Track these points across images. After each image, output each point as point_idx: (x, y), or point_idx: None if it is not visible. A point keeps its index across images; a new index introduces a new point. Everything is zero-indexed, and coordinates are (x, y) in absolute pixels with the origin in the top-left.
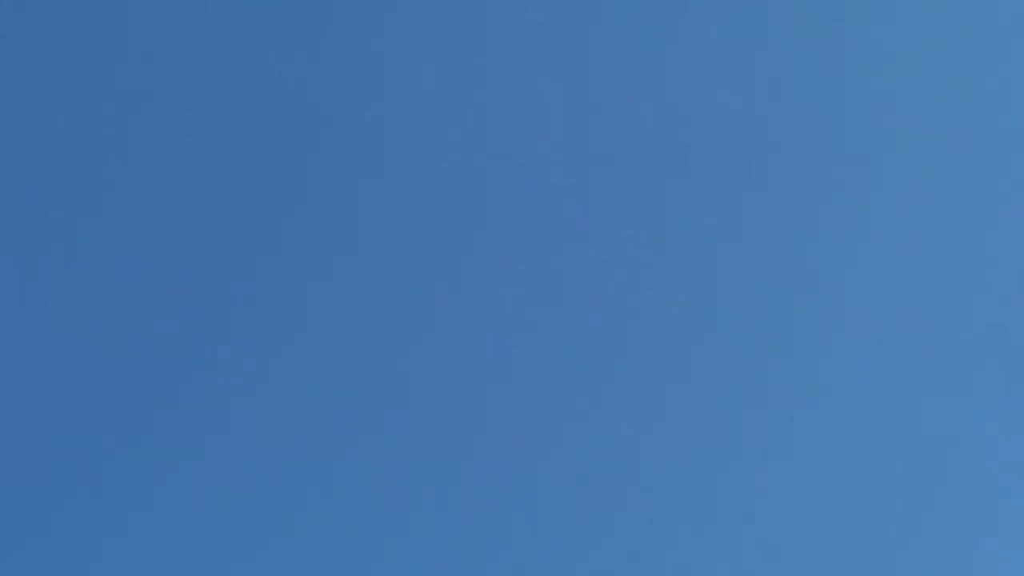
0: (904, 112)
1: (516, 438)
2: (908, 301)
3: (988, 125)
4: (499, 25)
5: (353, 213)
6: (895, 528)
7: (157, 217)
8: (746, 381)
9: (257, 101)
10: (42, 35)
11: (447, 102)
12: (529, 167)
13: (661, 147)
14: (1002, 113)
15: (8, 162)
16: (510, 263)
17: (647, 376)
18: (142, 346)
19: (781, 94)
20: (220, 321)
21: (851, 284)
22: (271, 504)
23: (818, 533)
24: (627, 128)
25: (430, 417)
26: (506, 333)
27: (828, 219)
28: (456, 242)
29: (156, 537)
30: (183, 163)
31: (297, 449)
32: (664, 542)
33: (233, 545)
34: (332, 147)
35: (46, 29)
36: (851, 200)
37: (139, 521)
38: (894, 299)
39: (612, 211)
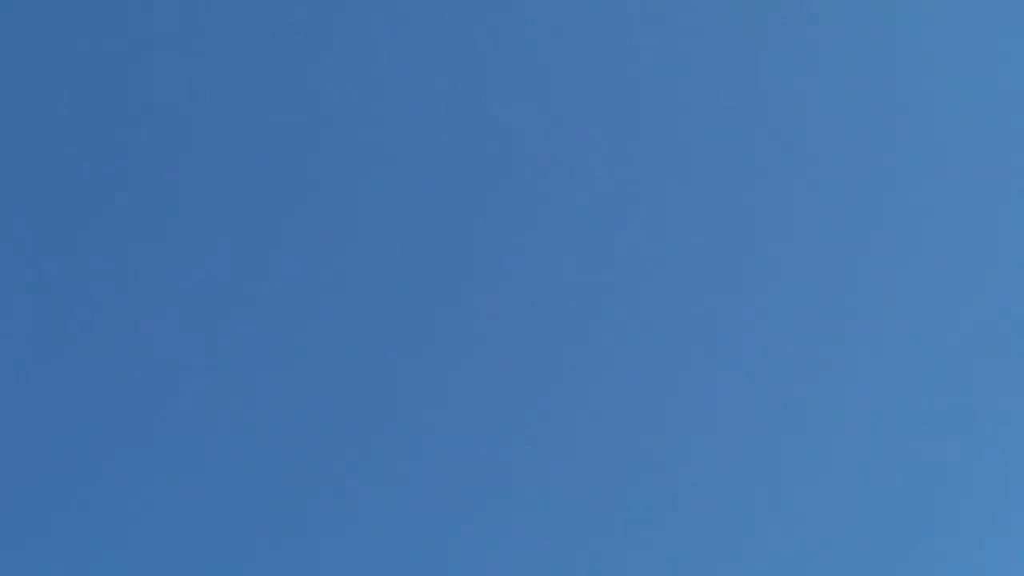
0: (903, 111)
1: (516, 438)
2: (908, 301)
3: (988, 125)
4: (499, 25)
5: (353, 212)
6: (895, 528)
7: (158, 217)
8: (746, 381)
9: (258, 101)
10: (42, 35)
11: (447, 102)
12: (529, 167)
13: (661, 147)
14: (1002, 113)
15: (9, 162)
16: (509, 262)
17: (647, 376)
18: (142, 346)
19: (780, 94)
20: (220, 321)
21: (851, 284)
22: (271, 504)
23: (817, 533)
24: (627, 127)
25: (430, 417)
26: (506, 332)
27: (828, 219)
28: (456, 242)
29: (156, 537)
30: (183, 163)
31: (297, 449)
32: (663, 543)
33: (233, 545)
34: (332, 146)
35: (46, 29)
36: (851, 200)
37: (139, 521)
38: (894, 299)
39: (612, 210)
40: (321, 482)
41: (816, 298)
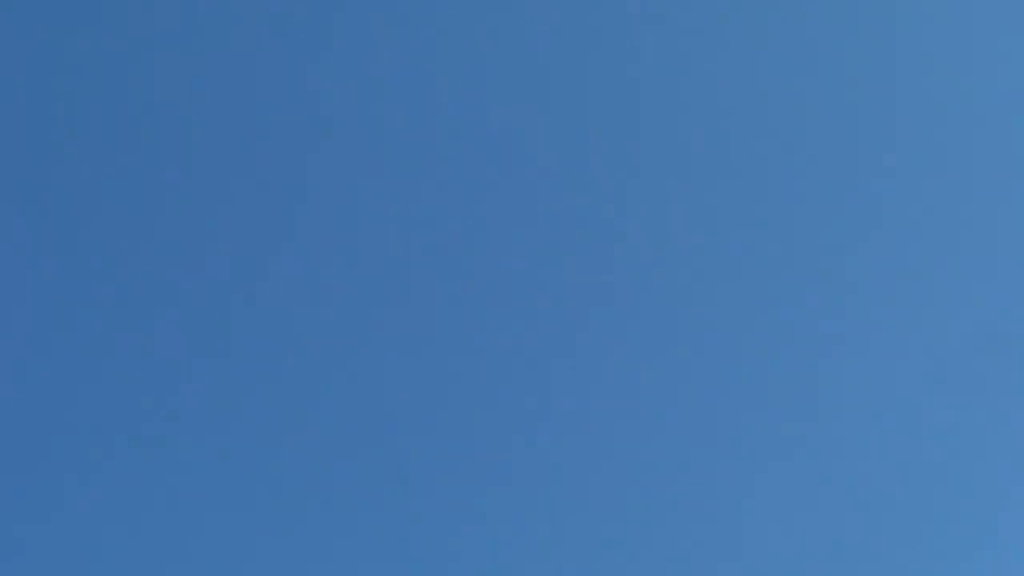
0: (903, 111)
1: (516, 439)
2: (908, 301)
3: (988, 125)
4: (499, 25)
5: (353, 213)
6: (894, 529)
7: (158, 217)
8: (745, 381)
9: (258, 101)
10: (42, 35)
11: (448, 101)
12: (529, 167)
13: (661, 147)
14: (1002, 113)
15: (9, 162)
16: (509, 263)
17: (647, 377)
18: (142, 346)
19: (779, 94)
20: (221, 322)
21: (851, 284)
22: (271, 504)
23: (817, 534)
24: (627, 128)
25: (430, 418)
26: (506, 333)
27: (827, 219)
28: (455, 242)
29: (156, 537)
30: (184, 163)
31: (297, 449)
32: (663, 543)
33: (233, 545)
34: (332, 146)
35: (46, 29)
36: (851, 200)
37: (139, 521)
38: (894, 299)
39: (612, 210)
40: (321, 482)
41: (815, 299)
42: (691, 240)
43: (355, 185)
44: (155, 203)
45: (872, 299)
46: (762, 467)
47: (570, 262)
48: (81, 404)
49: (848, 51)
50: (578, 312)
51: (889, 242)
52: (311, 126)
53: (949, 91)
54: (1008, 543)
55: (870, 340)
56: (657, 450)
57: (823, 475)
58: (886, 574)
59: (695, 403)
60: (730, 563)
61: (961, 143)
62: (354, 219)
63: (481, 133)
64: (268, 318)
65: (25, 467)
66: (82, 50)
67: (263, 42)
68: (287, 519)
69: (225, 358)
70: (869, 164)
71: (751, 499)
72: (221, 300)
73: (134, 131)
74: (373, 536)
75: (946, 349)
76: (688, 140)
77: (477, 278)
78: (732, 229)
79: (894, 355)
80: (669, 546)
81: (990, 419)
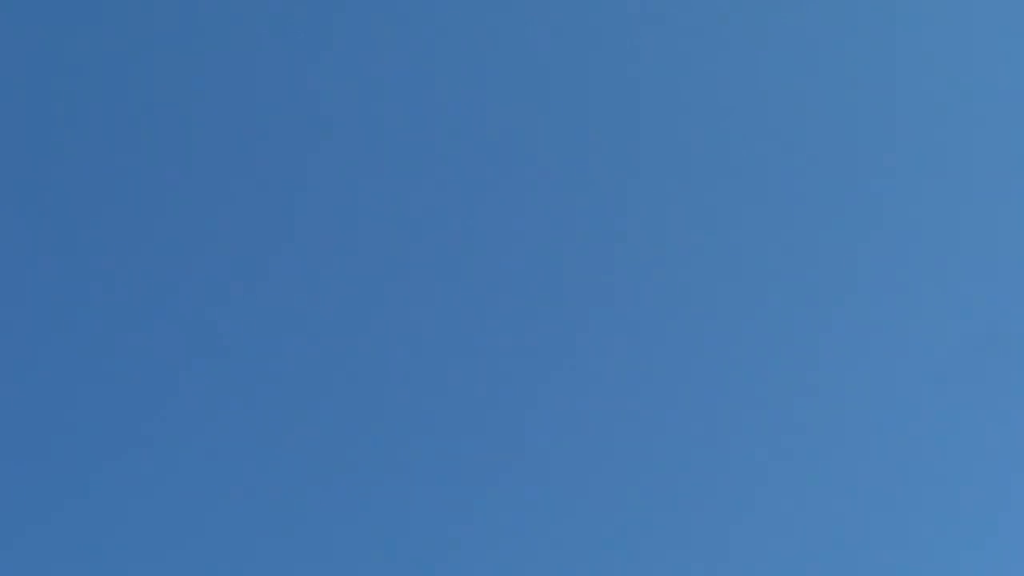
0: (902, 112)
1: (515, 439)
2: (908, 301)
3: (988, 125)
4: (499, 25)
5: (353, 212)
6: (894, 529)
7: (158, 217)
8: (745, 381)
9: (258, 101)
10: (42, 35)
11: (447, 101)
12: (529, 167)
13: (661, 148)
14: (1002, 113)
15: (9, 162)
16: (509, 262)
17: (647, 376)
18: (142, 347)
19: (778, 94)
20: (220, 321)
21: (850, 284)
22: (271, 504)
23: (817, 534)
24: (627, 127)
25: (430, 418)
26: (506, 333)
27: (827, 219)
28: (456, 242)
29: (156, 537)
30: (184, 163)
31: (297, 449)
32: (663, 543)
33: (233, 545)
34: (333, 146)
35: (46, 29)
36: (851, 200)
37: (139, 521)
38: (894, 299)
39: (612, 210)
40: (320, 482)
41: (815, 299)
42: (691, 240)
43: (355, 184)
44: (154, 203)
45: (872, 299)
46: (761, 467)
47: (570, 262)
48: (81, 404)
49: (848, 51)
50: (578, 312)
51: (889, 242)
52: (311, 126)
53: (949, 91)
54: (1008, 543)
55: (870, 340)
56: (657, 450)
57: (823, 475)
58: (886, 574)
59: (694, 403)
60: (730, 563)
61: (961, 143)
62: (353, 218)
63: (481, 133)
64: (267, 318)
65: (25, 467)
66: (82, 50)
67: (263, 42)
68: (287, 519)
69: (225, 358)
70: (869, 164)
71: (751, 499)
72: (220, 299)
73: (133, 131)
74: (373, 536)
75: (946, 349)
76: (688, 140)
77: (477, 278)
78: (732, 229)
79: (894, 355)
80: (669, 546)
81: (990, 419)
